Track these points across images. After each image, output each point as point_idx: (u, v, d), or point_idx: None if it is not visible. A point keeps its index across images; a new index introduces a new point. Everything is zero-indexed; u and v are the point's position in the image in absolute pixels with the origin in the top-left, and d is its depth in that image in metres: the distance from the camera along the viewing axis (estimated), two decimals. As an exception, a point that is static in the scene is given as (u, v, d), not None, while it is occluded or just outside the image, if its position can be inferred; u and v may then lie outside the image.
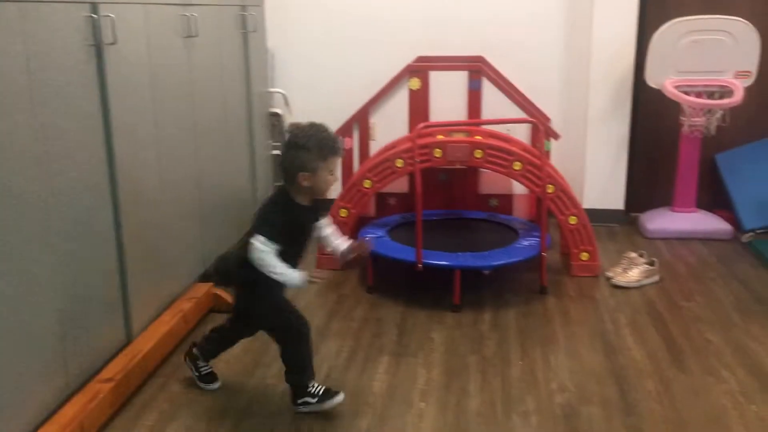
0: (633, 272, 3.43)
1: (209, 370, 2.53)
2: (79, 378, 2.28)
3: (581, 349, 2.82)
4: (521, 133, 3.98)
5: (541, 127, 3.48)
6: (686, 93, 3.89)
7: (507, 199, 4.10)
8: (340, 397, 2.36)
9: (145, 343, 2.58)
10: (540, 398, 2.46)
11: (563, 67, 4.30)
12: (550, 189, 3.40)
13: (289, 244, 2.20)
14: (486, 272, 3.41)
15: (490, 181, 4.05)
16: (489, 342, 2.89)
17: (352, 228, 3.61)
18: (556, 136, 4.01)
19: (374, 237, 3.48)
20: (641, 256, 3.50)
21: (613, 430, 2.27)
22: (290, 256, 2.20)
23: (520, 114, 3.95)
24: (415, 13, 4.32)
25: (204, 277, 3.28)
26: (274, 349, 2.80)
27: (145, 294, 2.70)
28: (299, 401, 2.36)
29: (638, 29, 4.11)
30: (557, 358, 2.74)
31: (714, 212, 4.23)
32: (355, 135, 4.26)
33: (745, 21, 3.82)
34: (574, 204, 3.48)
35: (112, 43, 2.36)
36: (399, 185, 3.88)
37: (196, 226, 3.20)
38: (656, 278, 3.47)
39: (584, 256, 3.54)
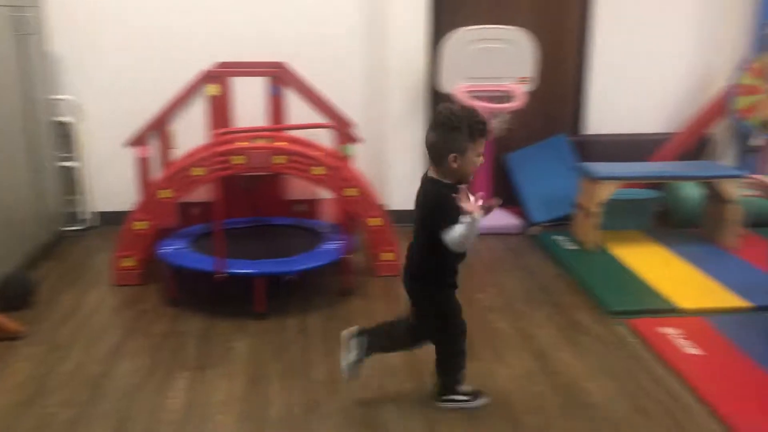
0: (432, 269, 3.58)
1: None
2: None
3: (383, 346, 2.90)
4: (328, 139, 4.02)
5: (339, 132, 3.54)
6: (477, 98, 4.14)
7: (314, 204, 4.13)
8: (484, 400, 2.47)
9: None
10: (342, 399, 2.49)
11: (364, 74, 4.41)
12: (350, 192, 3.47)
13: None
14: (289, 278, 3.40)
15: (297, 187, 4.06)
16: (293, 347, 2.88)
17: (152, 241, 3.45)
18: (357, 141, 4.09)
19: (175, 249, 3.36)
20: (440, 253, 3.67)
21: (410, 422, 2.36)
22: None
23: (323, 120, 3.99)
24: (216, 19, 4.23)
25: (-20, 303, 2.98)
26: (58, 374, 2.62)
27: None
28: (445, 398, 2.44)
29: (433, 38, 4.32)
30: (359, 358, 2.80)
31: (507, 209, 4.55)
32: (154, 143, 4.08)
33: (522, 30, 4.14)
34: (376, 206, 3.58)
35: None
36: (203, 194, 3.77)
37: (-33, 246, 2.90)
38: (454, 273, 3.65)
39: (387, 256, 3.65)
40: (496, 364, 2.75)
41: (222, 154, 3.31)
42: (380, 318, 3.16)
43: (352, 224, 3.60)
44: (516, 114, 4.27)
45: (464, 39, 4.08)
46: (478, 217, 2.10)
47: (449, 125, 2.18)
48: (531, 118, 4.56)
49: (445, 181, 2.24)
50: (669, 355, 2.74)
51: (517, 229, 4.37)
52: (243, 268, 3.14)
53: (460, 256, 2.29)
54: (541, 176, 4.53)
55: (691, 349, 2.78)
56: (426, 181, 2.29)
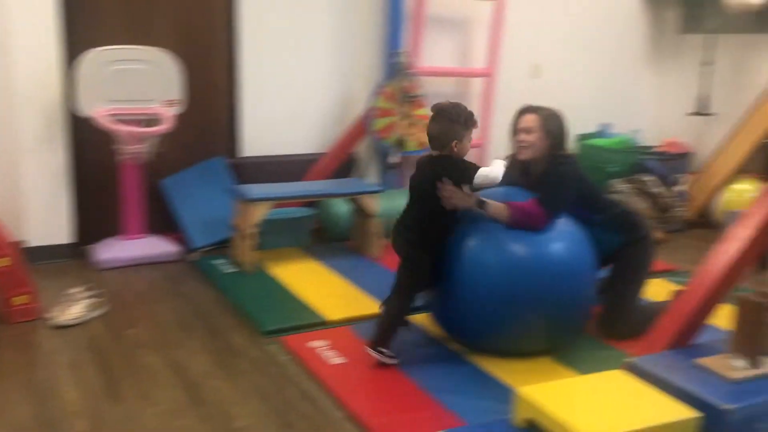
0: (75, 309, 3.28)
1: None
2: None
3: (9, 404, 2.55)
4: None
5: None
6: (122, 121, 3.92)
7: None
8: None
9: None
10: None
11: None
12: (-33, 231, 3.02)
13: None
14: None
15: None
16: None
17: None
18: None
19: None
20: (85, 290, 3.38)
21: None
22: None
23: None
24: None
25: None
26: None
27: None
28: (377, 348, 2.84)
29: (68, 58, 3.98)
30: (-23, 422, 2.42)
31: (166, 235, 4.37)
32: None
33: (164, 51, 4.03)
34: (3, 244, 3.16)
35: None
36: None
37: None
38: (102, 310, 3.39)
39: (21, 299, 3.25)
40: (141, 403, 2.58)
41: None
42: (7, 370, 2.80)
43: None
44: (167, 137, 4.14)
45: (101, 59, 3.82)
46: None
47: (450, 118, 2.78)
48: (186, 141, 4.46)
49: None
50: (316, 368, 2.84)
51: (176, 256, 4.21)
52: None
53: (451, 226, 2.89)
54: (199, 200, 4.44)
55: (336, 359, 2.91)
56: (427, 162, 2.90)
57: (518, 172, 3.13)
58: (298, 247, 4.41)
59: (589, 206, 3.11)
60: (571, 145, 3.13)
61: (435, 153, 2.86)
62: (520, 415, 2.15)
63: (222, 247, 4.30)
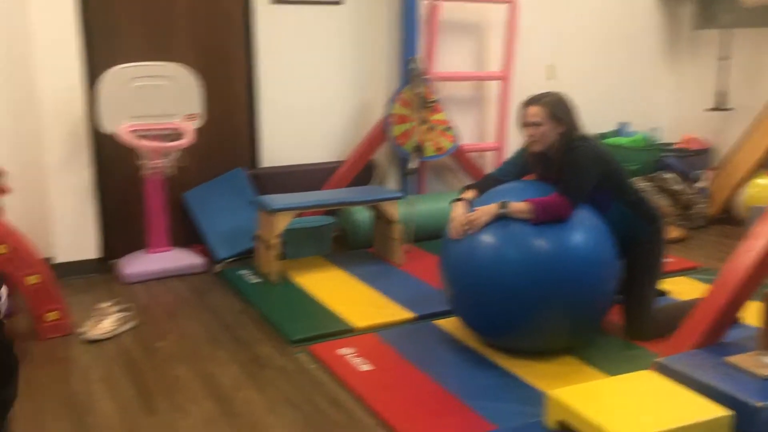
0: (105, 323, 3.33)
1: None
2: None
3: (46, 420, 2.60)
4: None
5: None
6: (144, 137, 3.98)
7: (-41, 266, 3.59)
8: None
9: None
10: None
11: (10, 118, 3.97)
12: (-1, 250, 3.09)
13: None
14: None
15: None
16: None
17: None
18: (6, 191, 3.66)
19: None
20: (114, 304, 3.43)
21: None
22: None
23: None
24: None
25: None
26: None
27: None
28: None
29: (89, 75, 4.05)
30: (16, 438, 2.47)
31: (190, 248, 4.43)
32: None
33: (184, 66, 4.09)
34: (33, 261, 3.22)
35: None
36: None
37: None
38: (132, 324, 3.44)
39: (52, 315, 3.30)
40: (175, 416, 2.62)
41: None
42: (42, 386, 2.84)
43: (7, 284, 3.20)
44: (189, 151, 4.19)
45: (122, 77, 3.89)
46: None
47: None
48: (207, 154, 4.52)
49: None
50: (345, 375, 2.87)
51: (201, 268, 4.26)
52: None
53: None
54: (221, 212, 4.49)
55: (364, 366, 2.94)
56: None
57: (539, 165, 3.12)
58: (321, 255, 4.45)
59: (613, 187, 3.07)
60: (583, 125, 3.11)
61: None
62: (552, 418, 2.16)
63: (246, 257, 4.34)
